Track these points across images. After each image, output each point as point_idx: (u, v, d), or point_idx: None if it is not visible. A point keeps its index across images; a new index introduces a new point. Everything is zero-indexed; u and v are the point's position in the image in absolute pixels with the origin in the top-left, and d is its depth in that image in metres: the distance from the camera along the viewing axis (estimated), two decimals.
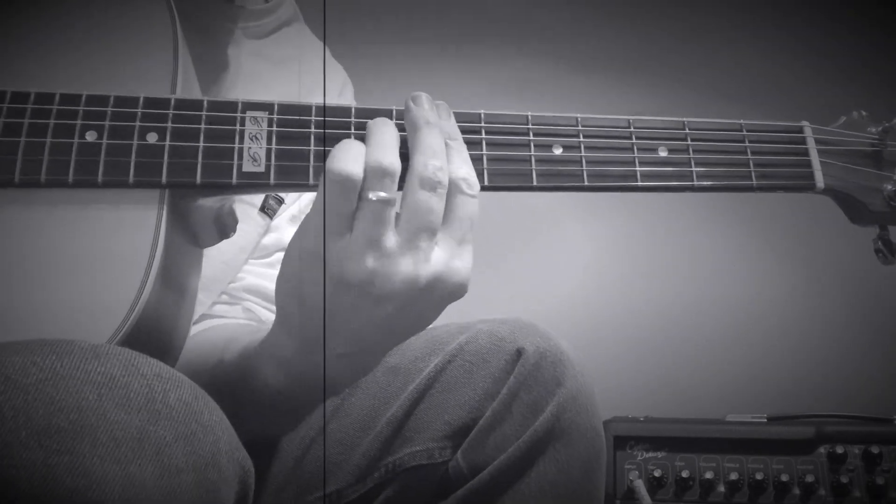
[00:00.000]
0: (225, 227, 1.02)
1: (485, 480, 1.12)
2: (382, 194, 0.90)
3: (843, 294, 2.58)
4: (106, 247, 0.89)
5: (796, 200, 2.35)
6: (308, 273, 0.94)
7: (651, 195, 2.44)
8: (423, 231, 0.91)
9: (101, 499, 0.66)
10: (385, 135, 0.93)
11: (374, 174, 0.91)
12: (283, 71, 1.35)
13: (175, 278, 0.95)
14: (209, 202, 0.99)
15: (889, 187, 1.09)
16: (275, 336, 1.02)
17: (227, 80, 1.24)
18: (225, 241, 1.04)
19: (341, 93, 1.46)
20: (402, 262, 0.91)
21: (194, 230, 0.99)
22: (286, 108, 0.96)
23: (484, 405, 1.14)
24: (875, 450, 1.83)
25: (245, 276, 1.33)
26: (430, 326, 1.22)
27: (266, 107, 0.96)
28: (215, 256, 1.07)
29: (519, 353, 1.14)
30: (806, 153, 1.07)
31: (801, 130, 1.08)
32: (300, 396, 1.06)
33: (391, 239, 0.91)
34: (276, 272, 1.03)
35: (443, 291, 0.94)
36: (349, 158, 0.91)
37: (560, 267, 2.65)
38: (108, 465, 0.67)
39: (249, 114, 0.95)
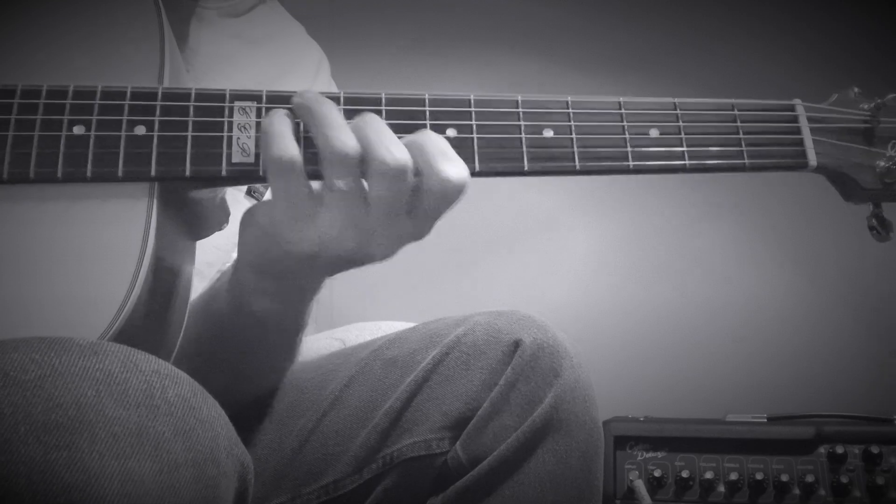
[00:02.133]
0: (217, 219, 1.02)
1: (484, 471, 1.12)
2: (351, 182, 0.92)
3: (844, 294, 2.59)
4: (97, 241, 0.89)
5: (797, 199, 2.38)
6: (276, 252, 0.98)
7: (648, 190, 2.49)
8: (395, 212, 0.93)
9: (100, 494, 0.66)
10: (333, 112, 0.93)
11: (336, 161, 0.91)
12: (259, 51, 1.35)
13: (168, 271, 0.94)
14: (200, 194, 0.99)
15: (882, 164, 1.09)
16: (244, 274, 1.04)
17: (187, 56, 1.24)
18: None
19: (318, 70, 1.46)
20: (380, 240, 0.95)
21: (186, 223, 0.99)
22: (274, 98, 0.96)
23: (482, 396, 1.14)
24: (875, 450, 1.83)
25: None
26: (429, 320, 1.23)
27: (254, 96, 0.96)
28: (207, 242, 1.08)
29: (516, 344, 1.14)
30: (798, 131, 1.07)
31: (793, 108, 1.08)
32: (288, 311, 1.09)
33: (368, 219, 0.93)
34: None
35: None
36: (286, 139, 0.91)
37: (560, 266, 2.66)
38: (107, 461, 0.67)
39: (238, 104, 0.95)
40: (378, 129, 0.92)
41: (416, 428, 1.16)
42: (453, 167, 0.93)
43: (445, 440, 1.15)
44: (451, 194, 0.94)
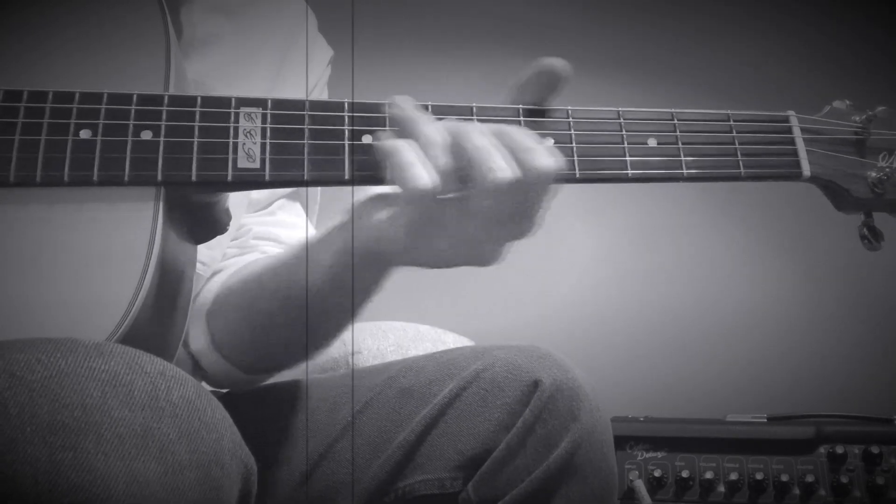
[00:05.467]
0: (219, 222, 1.02)
1: None
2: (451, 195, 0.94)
3: (843, 294, 2.59)
4: (103, 244, 0.89)
5: (796, 200, 2.38)
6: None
7: (648, 192, 2.49)
8: (495, 222, 0.96)
9: (106, 495, 0.66)
10: (437, 130, 0.95)
11: (445, 177, 0.93)
12: (236, 20, 1.34)
13: (172, 274, 0.95)
14: (204, 198, 0.99)
15: (872, 174, 1.11)
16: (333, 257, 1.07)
17: (183, 46, 1.22)
18: None
19: (292, 25, 1.44)
20: (488, 246, 0.99)
21: (190, 226, 0.99)
22: (279, 104, 0.97)
23: (498, 437, 1.11)
24: (875, 450, 1.83)
25: (251, 227, 1.35)
26: (445, 349, 1.24)
27: (259, 102, 0.97)
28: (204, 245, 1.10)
29: (536, 384, 1.11)
30: (792, 142, 1.08)
31: (786, 120, 1.09)
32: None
33: (469, 230, 0.96)
34: (276, 219, 1.17)
35: None
36: (416, 167, 0.92)
37: (560, 267, 2.65)
38: (113, 462, 0.68)
39: (243, 110, 0.95)
40: (480, 147, 0.94)
41: (429, 464, 1.13)
42: (545, 159, 0.96)
43: (458, 480, 1.12)
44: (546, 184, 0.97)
